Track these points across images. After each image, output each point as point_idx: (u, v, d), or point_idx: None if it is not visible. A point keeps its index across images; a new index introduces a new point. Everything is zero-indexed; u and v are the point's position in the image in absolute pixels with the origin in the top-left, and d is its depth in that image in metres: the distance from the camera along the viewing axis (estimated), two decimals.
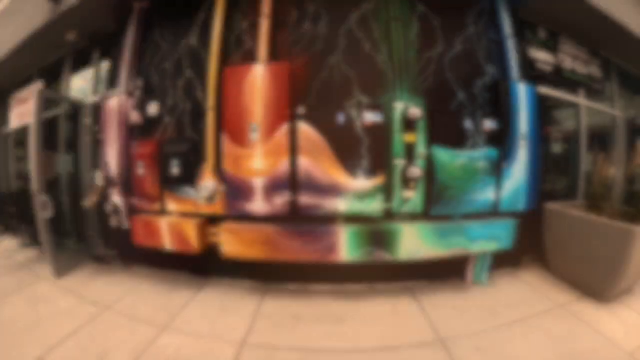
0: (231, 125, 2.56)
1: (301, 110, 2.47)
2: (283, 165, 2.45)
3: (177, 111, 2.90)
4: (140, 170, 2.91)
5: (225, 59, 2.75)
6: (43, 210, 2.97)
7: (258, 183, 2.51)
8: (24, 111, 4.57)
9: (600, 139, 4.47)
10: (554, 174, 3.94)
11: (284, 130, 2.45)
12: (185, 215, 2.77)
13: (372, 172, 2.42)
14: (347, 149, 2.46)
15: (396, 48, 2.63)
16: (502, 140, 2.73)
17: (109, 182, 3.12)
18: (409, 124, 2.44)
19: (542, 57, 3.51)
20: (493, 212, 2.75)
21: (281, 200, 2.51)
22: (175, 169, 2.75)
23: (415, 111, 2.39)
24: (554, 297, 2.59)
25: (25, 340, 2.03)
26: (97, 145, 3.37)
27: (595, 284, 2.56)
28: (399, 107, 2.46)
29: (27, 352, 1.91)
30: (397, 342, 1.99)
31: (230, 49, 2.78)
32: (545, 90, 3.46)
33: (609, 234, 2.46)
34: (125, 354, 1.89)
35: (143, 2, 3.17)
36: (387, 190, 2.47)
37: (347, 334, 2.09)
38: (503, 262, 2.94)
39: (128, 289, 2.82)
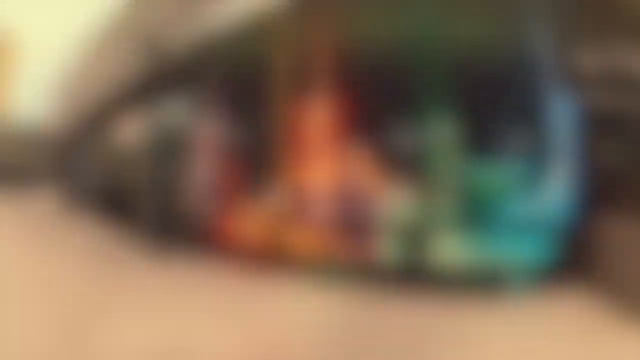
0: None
1: None
2: None
3: None
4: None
5: None
6: None
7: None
8: None
9: None
10: (610, 185, 3.65)
11: None
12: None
13: None
14: None
15: None
16: (539, 144, 2.63)
17: None
18: None
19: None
20: (529, 224, 2.66)
21: None
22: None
23: None
24: (614, 334, 2.31)
25: None
26: None
27: None
28: None
29: None
30: None
31: None
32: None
33: None
34: None
35: None
36: None
37: None
38: (538, 282, 2.80)
39: None
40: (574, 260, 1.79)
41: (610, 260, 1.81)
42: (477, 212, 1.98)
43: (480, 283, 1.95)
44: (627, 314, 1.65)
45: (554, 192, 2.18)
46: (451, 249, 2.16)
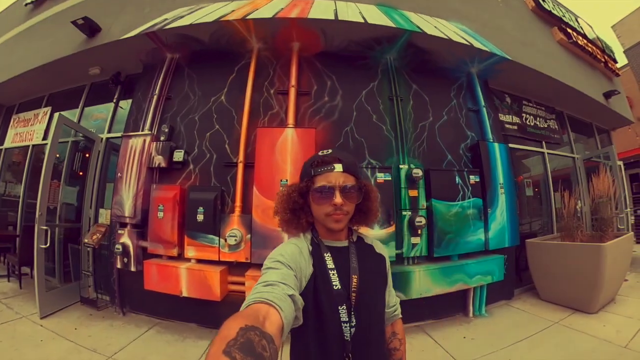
0: (262, 179, 2.77)
1: None
2: None
3: (202, 160, 3.04)
4: (160, 213, 2.83)
5: (253, 119, 3.05)
6: (40, 239, 2.82)
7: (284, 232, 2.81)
8: (24, 132, 4.60)
9: (565, 180, 5.27)
10: (530, 214, 4.60)
11: None
12: (204, 262, 2.78)
13: (385, 222, 2.85)
14: None
15: (397, 119, 3.23)
16: (485, 190, 3.33)
17: (119, 221, 3.01)
18: (411, 182, 2.96)
19: (509, 119, 4.29)
20: (484, 250, 3.28)
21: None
22: (200, 216, 2.75)
23: (418, 171, 2.93)
24: (548, 316, 2.94)
25: None
26: (103, 182, 3.51)
27: (580, 299, 3.01)
28: (403, 168, 3.00)
29: None
30: None
31: (259, 110, 3.10)
32: (514, 145, 4.20)
33: (583, 253, 3.02)
34: None
35: (175, 53, 3.40)
36: (398, 238, 2.90)
37: None
38: (497, 295, 3.40)
39: (131, 337, 2.53)
40: (517, 275, 2.76)
41: (536, 265, 2.79)
42: (443, 242, 2.76)
43: (449, 303, 3.34)
44: (550, 296, 3.34)
45: (499, 222, 3.24)
46: (425, 276, 2.92)
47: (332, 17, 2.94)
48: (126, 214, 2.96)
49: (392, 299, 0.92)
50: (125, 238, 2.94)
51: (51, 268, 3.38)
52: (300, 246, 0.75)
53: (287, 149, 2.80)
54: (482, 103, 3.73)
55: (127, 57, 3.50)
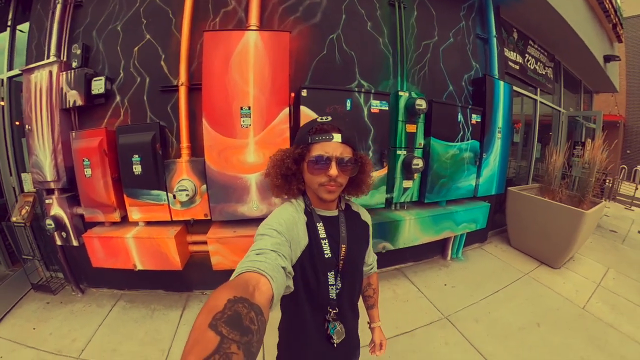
0: (214, 107, 1.99)
1: (303, 92, 2.05)
2: None
3: (132, 88, 2.24)
4: (87, 170, 2.11)
5: (200, 20, 2.19)
6: None
7: (252, 180, 2.07)
8: None
9: (546, 130, 5.16)
10: (513, 161, 4.44)
11: (283, 115, 2.03)
12: (155, 224, 2.25)
13: (377, 163, 2.33)
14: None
15: (397, 31, 2.55)
16: (484, 133, 2.93)
17: (43, 188, 2.32)
18: (411, 114, 2.41)
19: (513, 57, 3.80)
20: (473, 197, 2.99)
21: (281, 199, 2.31)
22: (136, 167, 2.07)
23: (421, 102, 2.32)
24: (519, 267, 3.10)
25: None
26: (18, 138, 2.64)
27: (549, 254, 3.13)
28: (403, 96, 2.41)
29: None
30: (411, 327, 2.13)
31: (207, 7, 2.21)
32: (515, 87, 3.77)
33: (563, 214, 2.98)
34: None
35: None
36: (389, 181, 2.46)
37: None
38: (473, 238, 3.41)
39: (95, 323, 2.22)
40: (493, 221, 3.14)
41: (513, 214, 3.56)
42: (435, 187, 2.17)
43: (430, 247, 3.17)
44: (520, 245, 3.54)
45: (491, 168, 2.64)
46: (414, 225, 2.65)
47: None
48: (48, 178, 2.23)
49: (370, 257, 1.00)
50: (56, 208, 2.27)
51: None
52: (297, 217, 0.76)
53: (249, 62, 1.96)
54: (493, 32, 3.12)
55: None
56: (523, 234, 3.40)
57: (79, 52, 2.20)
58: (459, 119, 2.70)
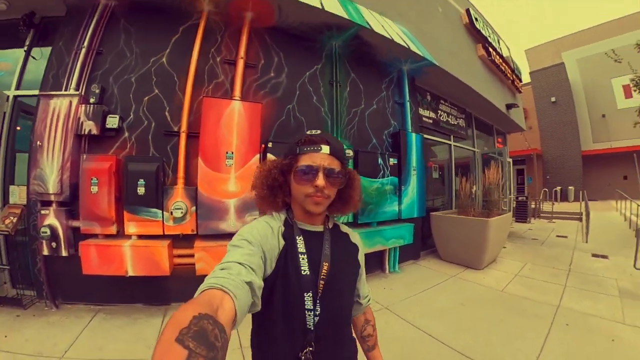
0: (208, 151, 2.73)
1: (269, 144, 2.95)
2: None
3: (139, 128, 2.81)
4: (94, 188, 2.53)
5: (198, 86, 2.94)
6: None
7: (231, 203, 2.78)
8: None
9: (464, 167, 6.57)
10: (435, 193, 5.70)
11: (256, 159, 2.86)
12: (146, 237, 2.65)
13: None
14: None
15: (334, 103, 3.64)
16: (401, 171, 4.06)
17: (40, 200, 2.59)
18: None
19: (427, 114, 5.15)
20: (398, 219, 4.05)
21: (251, 218, 2.75)
22: (140, 189, 2.56)
23: (349, 151, 3.45)
24: (447, 272, 3.88)
25: None
26: (11, 152, 2.93)
27: (471, 259, 4.03)
28: None
29: None
30: None
31: (203, 77, 2.99)
32: (428, 136, 5.09)
33: (474, 226, 4.05)
34: None
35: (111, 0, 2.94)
36: None
37: None
38: (408, 255, 4.37)
39: (76, 330, 2.23)
40: (423, 241, 3.56)
41: (438, 233, 3.71)
42: (365, 211, 3.42)
43: (369, 262, 3.46)
44: (448, 257, 4.51)
45: (410, 197, 4.05)
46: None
47: None
48: (51, 191, 2.55)
49: (365, 289, 0.90)
50: (52, 219, 2.55)
51: None
52: (272, 225, 0.72)
53: (233, 122, 2.81)
54: (407, 98, 4.41)
55: None
56: (448, 248, 4.39)
57: (97, 91, 2.72)
58: (379, 162, 3.81)
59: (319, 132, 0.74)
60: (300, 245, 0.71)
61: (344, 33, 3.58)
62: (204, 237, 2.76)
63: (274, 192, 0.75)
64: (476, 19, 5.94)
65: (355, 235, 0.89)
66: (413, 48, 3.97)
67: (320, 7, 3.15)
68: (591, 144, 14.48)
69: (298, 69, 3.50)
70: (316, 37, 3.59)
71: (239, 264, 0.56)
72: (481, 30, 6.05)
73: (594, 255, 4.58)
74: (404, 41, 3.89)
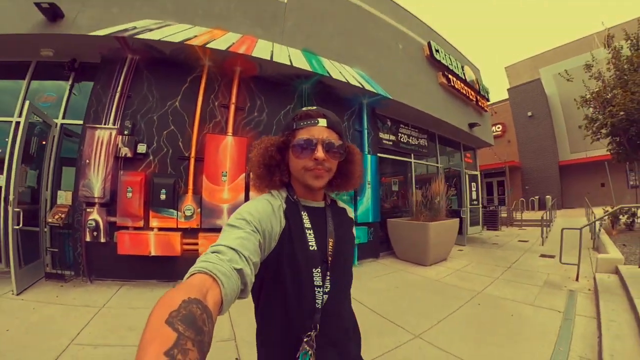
0: (210, 171, 3.87)
1: None
2: (240, 196, 4.00)
3: (160, 153, 3.84)
4: (129, 194, 3.56)
5: (202, 123, 4.02)
6: (14, 221, 3.04)
7: (225, 207, 3.91)
8: None
9: (428, 181, 7.61)
10: (395, 203, 6.77)
11: (242, 177, 4.01)
12: (164, 229, 3.67)
13: None
14: None
15: None
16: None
17: (87, 201, 3.57)
18: None
19: (387, 137, 6.25)
20: (354, 223, 5.14)
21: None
22: (162, 195, 3.65)
23: None
24: (397, 267, 4.60)
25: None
26: (59, 165, 3.86)
27: (418, 257, 4.81)
28: None
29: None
30: None
31: (206, 118, 4.08)
32: (388, 156, 6.19)
33: (418, 229, 4.97)
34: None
35: (136, 55, 3.92)
36: None
37: None
38: (369, 255, 5.31)
39: (108, 295, 2.97)
40: (381, 242, 5.12)
41: (393, 235, 5.18)
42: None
43: None
44: (403, 256, 5.77)
45: (365, 206, 5.75)
46: None
47: (268, 58, 4.15)
48: (95, 195, 3.57)
49: None
50: (95, 215, 3.57)
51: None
52: (273, 203, 0.69)
53: (227, 151, 3.99)
54: (365, 126, 5.53)
55: (86, 47, 3.74)
56: (402, 248, 5.33)
57: (129, 125, 3.76)
58: None
59: (315, 107, 0.73)
60: (306, 221, 0.70)
61: (310, 79, 4.74)
62: (206, 230, 3.82)
63: (271, 170, 0.74)
64: (437, 51, 6.88)
65: (350, 210, 0.90)
66: (367, 87, 5.08)
67: (289, 63, 4.32)
68: (569, 154, 15.25)
69: (275, 108, 4.59)
70: (289, 83, 4.75)
71: (232, 249, 0.53)
72: (441, 60, 6.91)
73: (542, 256, 5.01)
74: (359, 82, 5.01)
